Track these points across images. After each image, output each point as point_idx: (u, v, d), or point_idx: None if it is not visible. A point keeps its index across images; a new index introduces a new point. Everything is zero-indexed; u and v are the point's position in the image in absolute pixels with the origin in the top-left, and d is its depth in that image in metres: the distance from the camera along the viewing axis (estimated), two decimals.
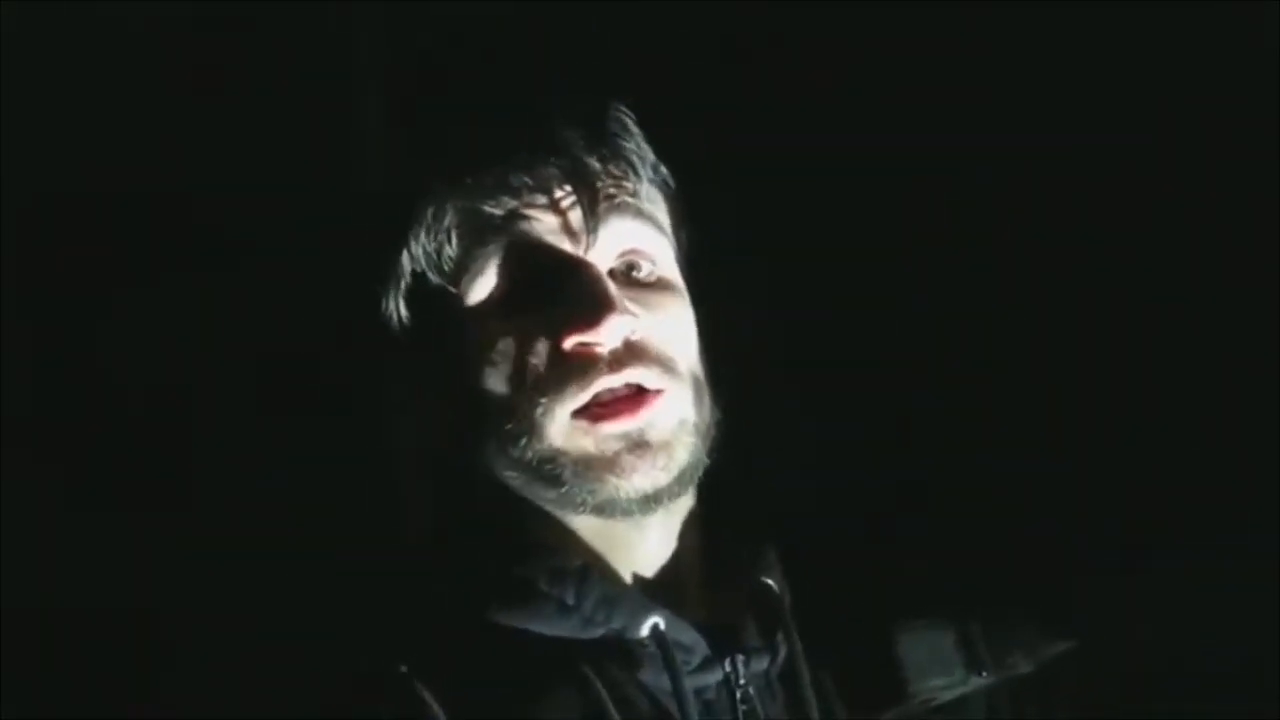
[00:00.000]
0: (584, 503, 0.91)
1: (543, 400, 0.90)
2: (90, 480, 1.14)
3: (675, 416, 0.92)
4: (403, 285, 0.94)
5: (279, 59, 1.17)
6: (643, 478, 0.90)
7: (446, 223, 0.92)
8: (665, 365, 0.92)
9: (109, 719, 1.01)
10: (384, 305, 0.95)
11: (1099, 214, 1.24)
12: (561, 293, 0.91)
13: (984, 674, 0.96)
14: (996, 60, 1.24)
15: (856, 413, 1.25)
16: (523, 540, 0.93)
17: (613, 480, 0.90)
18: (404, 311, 0.95)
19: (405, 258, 0.93)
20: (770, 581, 0.96)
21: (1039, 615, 1.00)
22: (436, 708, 0.86)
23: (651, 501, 0.91)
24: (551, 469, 0.90)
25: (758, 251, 1.27)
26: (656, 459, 0.90)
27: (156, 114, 1.18)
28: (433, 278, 0.93)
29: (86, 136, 1.17)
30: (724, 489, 0.98)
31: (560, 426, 0.90)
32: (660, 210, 0.98)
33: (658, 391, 0.91)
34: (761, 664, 0.93)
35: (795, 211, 1.28)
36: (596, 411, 0.90)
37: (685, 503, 0.96)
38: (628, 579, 0.94)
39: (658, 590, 0.94)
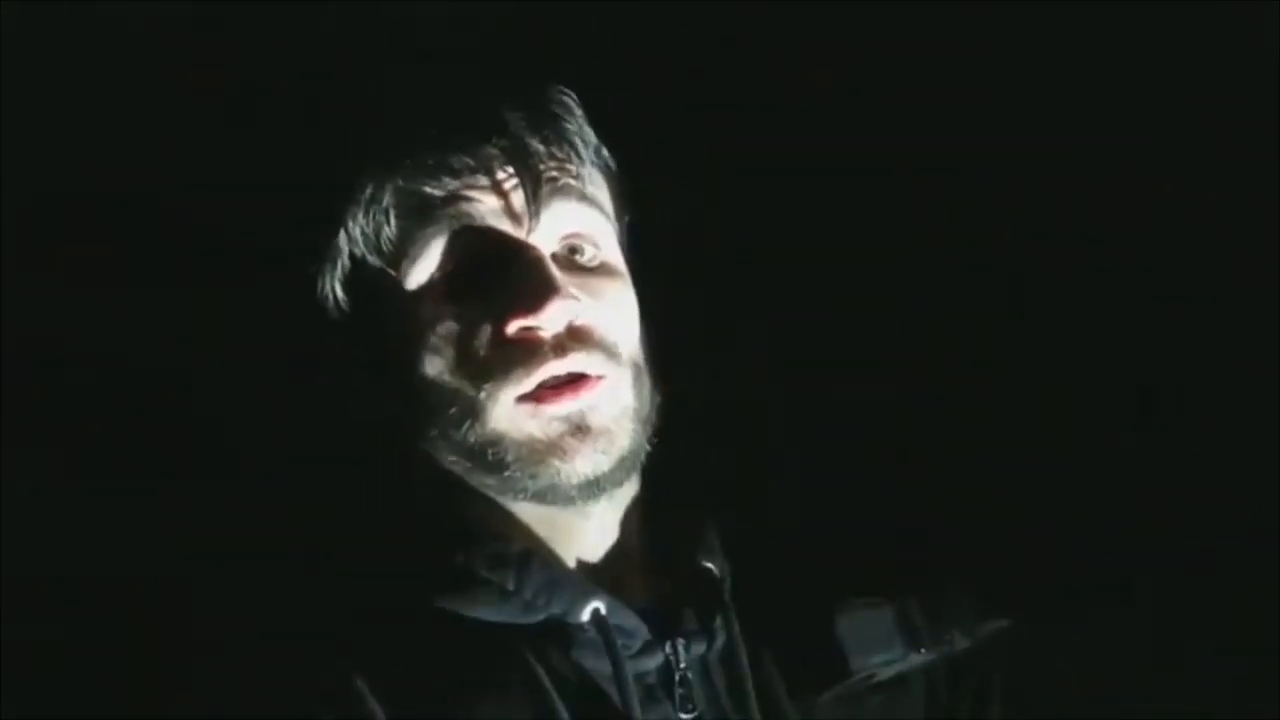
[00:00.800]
0: (525, 489, 0.91)
1: (486, 385, 0.90)
2: (86, 481, 1.14)
3: (617, 403, 0.92)
4: (340, 267, 0.93)
5: (279, 59, 1.17)
6: (584, 461, 0.90)
7: (385, 203, 0.91)
8: (608, 351, 0.92)
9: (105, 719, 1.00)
10: (320, 287, 0.94)
11: (1099, 214, 1.24)
12: (504, 276, 0.91)
13: (922, 651, 0.97)
14: (996, 60, 1.24)
15: (846, 412, 1.25)
16: (464, 527, 0.93)
17: (555, 464, 0.90)
18: (341, 294, 0.94)
19: (343, 238, 0.92)
20: (710, 565, 0.97)
21: (975, 593, 1.00)
22: (373, 701, 0.86)
23: (593, 488, 0.91)
24: (494, 453, 0.90)
25: (755, 251, 1.27)
26: (597, 443, 0.90)
27: (156, 114, 1.18)
28: (371, 260, 0.92)
29: (86, 136, 1.17)
30: (666, 474, 0.98)
31: (504, 411, 0.90)
32: (603, 194, 0.98)
33: (599, 377, 0.91)
34: (701, 648, 0.94)
35: (793, 211, 1.28)
36: (538, 394, 0.90)
37: (628, 489, 0.96)
38: (570, 564, 0.94)
39: (599, 575, 0.94)
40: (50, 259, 1.16)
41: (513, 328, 0.89)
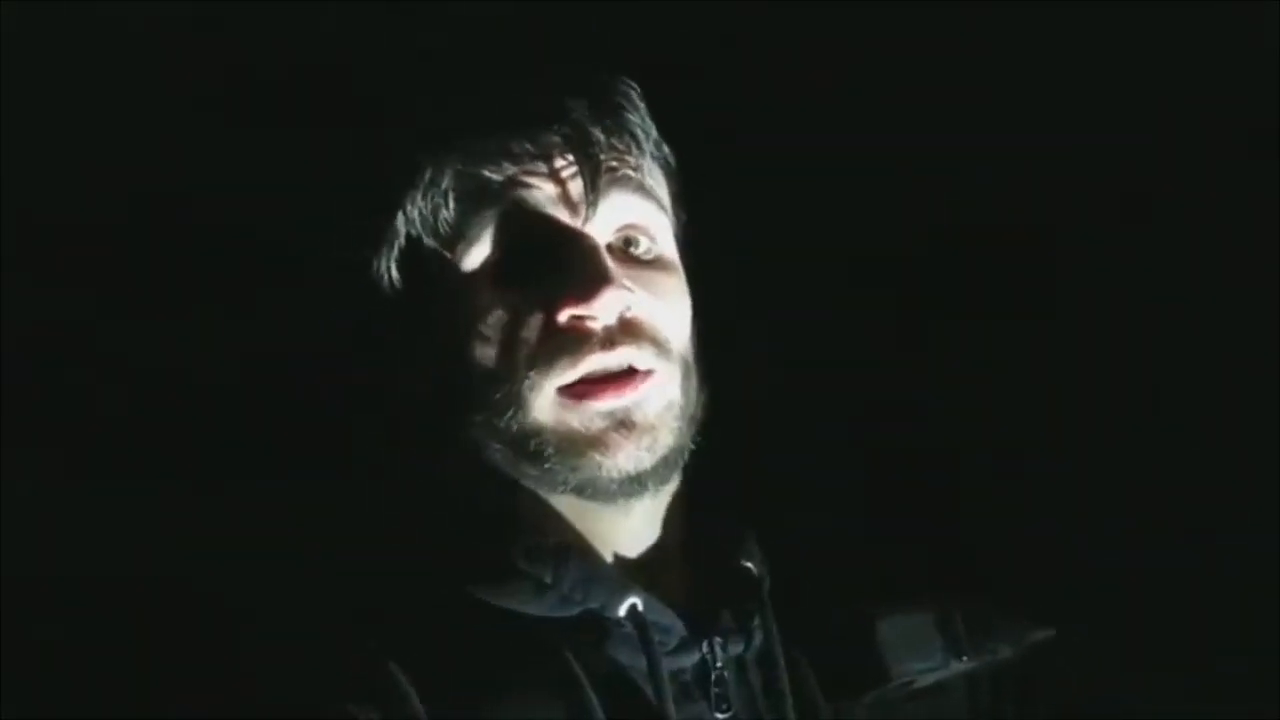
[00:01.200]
0: (565, 481, 0.90)
1: (531, 373, 0.89)
2: (89, 482, 1.14)
3: (664, 399, 0.91)
4: (396, 248, 0.93)
5: (279, 59, 1.17)
6: (626, 457, 0.89)
7: (444, 185, 0.91)
8: (658, 345, 0.91)
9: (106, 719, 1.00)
10: (375, 267, 0.93)
11: (1099, 214, 1.24)
12: (557, 264, 0.90)
13: (964, 659, 0.96)
14: (996, 60, 1.24)
15: (849, 409, 1.25)
16: (503, 517, 0.92)
17: (596, 458, 0.89)
18: (395, 274, 0.93)
19: (400, 219, 0.92)
20: (750, 565, 0.96)
21: (1021, 602, 0.99)
22: (410, 689, 0.85)
23: (634, 484, 0.90)
24: (535, 444, 0.89)
25: (756, 251, 1.27)
26: (641, 439, 0.89)
27: (156, 114, 1.18)
28: (427, 241, 0.92)
29: (87, 136, 1.17)
30: (707, 472, 0.97)
31: (546, 401, 0.89)
32: (661, 187, 0.97)
33: (648, 372, 0.90)
34: (738, 648, 0.93)
35: (794, 211, 1.28)
36: (582, 389, 0.89)
37: (670, 486, 0.95)
38: (608, 559, 0.94)
39: (638, 571, 0.94)
40: (50, 259, 1.16)
41: (564, 316, 0.89)
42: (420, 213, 0.91)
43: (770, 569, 0.96)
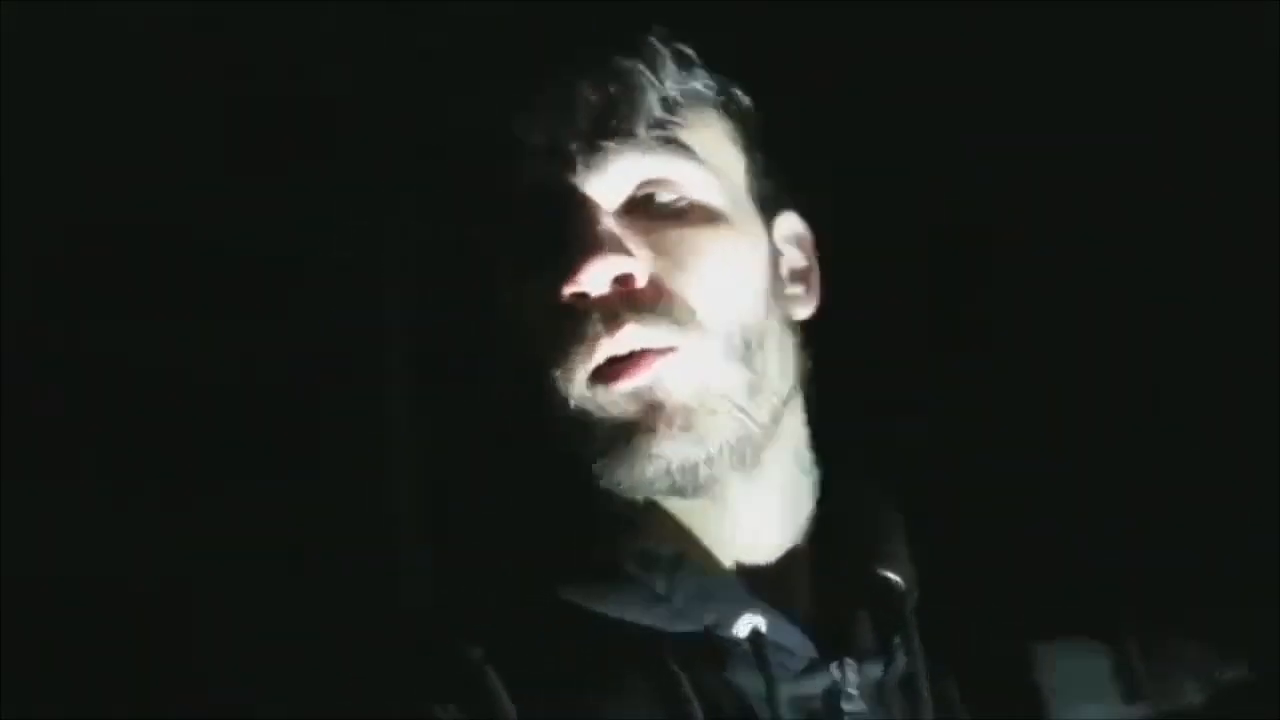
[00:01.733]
0: (620, 481, 0.81)
1: (558, 368, 0.82)
2: (102, 480, 1.14)
3: (694, 378, 0.81)
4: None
5: (279, 59, 1.17)
6: (662, 442, 0.80)
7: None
8: (676, 318, 0.81)
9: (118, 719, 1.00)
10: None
11: (1099, 214, 1.24)
12: (552, 244, 0.82)
13: (1141, 702, 0.86)
14: (996, 60, 1.24)
15: (850, 409, 1.24)
16: (605, 516, 0.84)
17: (638, 441, 0.80)
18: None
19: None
20: (894, 576, 0.85)
21: (1212, 635, 0.89)
22: (507, 699, 0.78)
23: (687, 476, 0.81)
24: (583, 438, 0.82)
25: None
26: (674, 420, 0.80)
27: (155, 114, 1.18)
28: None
29: (86, 137, 1.17)
30: (847, 467, 0.90)
31: (580, 390, 0.81)
32: (698, 135, 0.87)
33: (665, 350, 0.81)
34: (876, 671, 0.82)
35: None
36: (608, 373, 0.81)
37: (789, 478, 0.87)
38: (727, 564, 0.85)
39: (760, 580, 0.84)
40: (50, 259, 1.16)
41: (566, 293, 0.80)
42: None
43: (919, 582, 0.86)
